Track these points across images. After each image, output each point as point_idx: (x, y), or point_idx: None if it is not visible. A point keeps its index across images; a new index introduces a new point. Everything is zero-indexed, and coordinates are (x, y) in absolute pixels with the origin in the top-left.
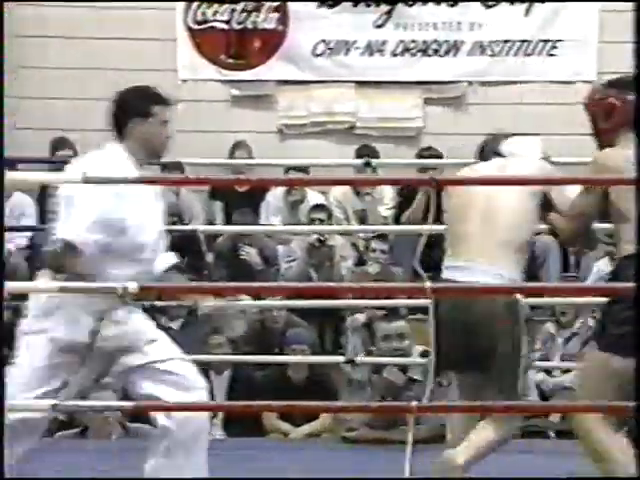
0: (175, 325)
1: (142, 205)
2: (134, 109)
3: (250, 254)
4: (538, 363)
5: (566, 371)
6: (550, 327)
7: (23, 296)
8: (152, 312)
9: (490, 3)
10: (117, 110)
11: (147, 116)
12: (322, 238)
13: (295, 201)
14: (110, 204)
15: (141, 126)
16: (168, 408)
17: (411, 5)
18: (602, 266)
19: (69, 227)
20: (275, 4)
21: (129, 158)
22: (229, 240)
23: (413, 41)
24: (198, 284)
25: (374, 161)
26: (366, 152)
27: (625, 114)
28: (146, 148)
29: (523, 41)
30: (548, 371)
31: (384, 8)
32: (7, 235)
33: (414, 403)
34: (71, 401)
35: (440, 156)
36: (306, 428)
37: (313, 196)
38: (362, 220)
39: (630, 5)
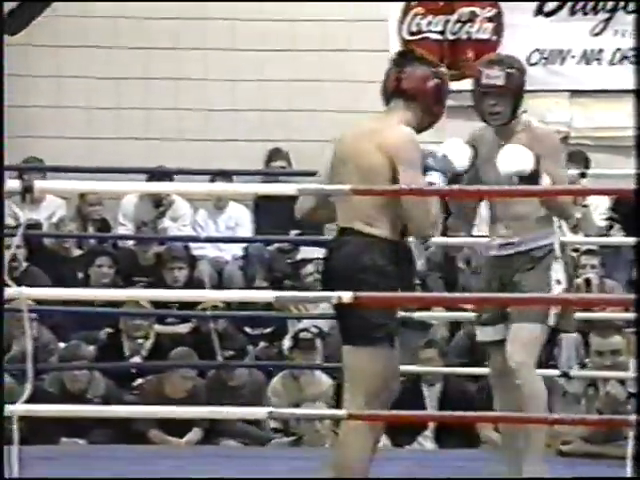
0: None
1: None
2: None
3: None
4: None
5: None
6: None
7: None
8: None
9: None
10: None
11: None
12: None
13: None
14: None
15: None
16: (376, 417)
17: (631, 12)
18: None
19: None
20: (489, 14)
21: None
22: None
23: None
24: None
25: (589, 171)
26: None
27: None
28: None
29: None
30: None
31: (602, 16)
32: (223, 245)
33: None
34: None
35: None
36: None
37: None
38: None
39: None
